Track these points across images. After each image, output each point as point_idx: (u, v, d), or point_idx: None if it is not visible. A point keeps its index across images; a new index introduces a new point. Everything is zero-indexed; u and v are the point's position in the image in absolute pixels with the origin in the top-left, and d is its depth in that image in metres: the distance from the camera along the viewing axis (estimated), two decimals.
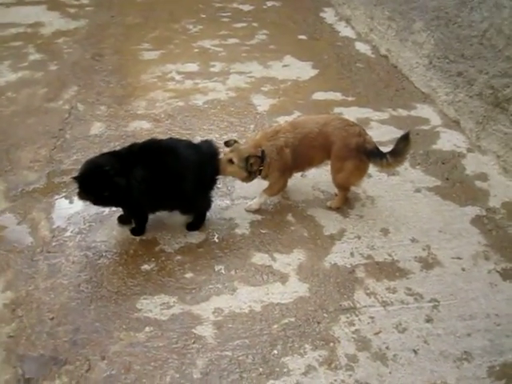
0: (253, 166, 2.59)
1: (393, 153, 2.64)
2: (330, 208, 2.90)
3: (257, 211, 2.85)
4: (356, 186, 2.89)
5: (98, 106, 3.74)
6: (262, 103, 3.83)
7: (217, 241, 2.68)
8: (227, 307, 2.34)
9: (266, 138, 2.67)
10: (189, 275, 2.48)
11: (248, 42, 4.74)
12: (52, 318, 2.29)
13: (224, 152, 2.68)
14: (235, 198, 2.95)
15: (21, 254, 2.58)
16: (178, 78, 4.13)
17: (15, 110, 3.72)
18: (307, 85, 4.10)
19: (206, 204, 2.70)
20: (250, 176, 2.66)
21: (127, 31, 4.92)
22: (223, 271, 2.51)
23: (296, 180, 3.07)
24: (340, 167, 2.72)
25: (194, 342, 2.19)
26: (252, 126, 3.51)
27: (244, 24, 5.12)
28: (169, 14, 5.28)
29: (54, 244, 2.65)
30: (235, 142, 2.68)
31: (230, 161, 2.60)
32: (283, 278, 2.48)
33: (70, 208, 2.85)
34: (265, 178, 2.74)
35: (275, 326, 2.26)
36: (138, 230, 2.69)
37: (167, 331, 2.23)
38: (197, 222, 2.73)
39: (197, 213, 2.72)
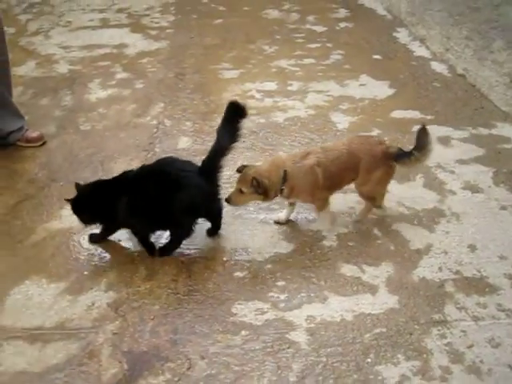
0: (262, 186, 2.63)
1: (418, 147, 2.72)
2: (357, 221, 2.94)
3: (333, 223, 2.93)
4: (383, 193, 2.90)
5: (184, 122, 3.93)
6: (342, 121, 3.91)
7: (306, 251, 2.76)
8: (319, 315, 2.41)
9: (293, 159, 2.74)
10: (280, 283, 2.57)
11: (323, 62, 4.86)
12: (153, 318, 2.42)
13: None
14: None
15: (123, 257, 2.75)
16: (257, 96, 4.28)
17: (106, 125, 3.96)
18: (385, 103, 4.16)
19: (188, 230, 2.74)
20: (267, 196, 2.70)
21: (206, 51, 5.13)
22: (313, 281, 2.58)
23: None
24: (368, 179, 2.78)
25: (288, 347, 2.27)
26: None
27: (318, 45, 5.24)
28: (245, 36, 5.48)
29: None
30: (244, 167, 2.74)
31: (240, 191, 2.67)
32: (373, 290, 2.53)
33: None
34: (288, 197, 2.78)
35: (367, 336, 2.31)
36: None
37: (262, 335, 2.32)
38: (170, 247, 2.78)
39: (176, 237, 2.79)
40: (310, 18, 5.92)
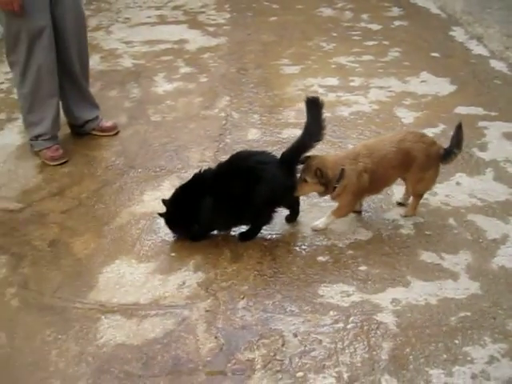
0: (325, 177, 2.66)
1: (456, 145, 2.79)
2: (406, 217, 2.98)
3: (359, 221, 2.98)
4: (431, 189, 3.00)
5: (251, 115, 4.04)
6: (406, 116, 3.97)
7: (384, 239, 2.84)
8: (404, 298, 2.49)
9: (349, 159, 2.74)
10: (363, 268, 2.66)
11: (382, 59, 4.92)
12: (243, 298, 2.53)
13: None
14: (393, 201, 3.10)
15: (207, 241, 2.87)
16: (320, 90, 4.37)
17: (176, 116, 4.10)
18: (448, 100, 4.21)
19: (268, 218, 2.84)
20: (327, 188, 2.72)
21: (265, 48, 5.24)
22: (395, 266, 2.66)
23: (452, 187, 3.20)
24: (422, 177, 2.82)
25: (377, 328, 2.35)
26: None
27: (375, 42, 5.31)
28: (301, 33, 5.57)
29: (232, 233, 2.92)
30: (308, 158, 2.76)
31: (305, 180, 2.73)
32: (454, 276, 2.60)
33: None
34: (335, 198, 2.80)
35: (453, 319, 2.38)
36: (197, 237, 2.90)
37: (350, 316, 2.41)
38: (251, 233, 2.88)
39: (256, 225, 2.88)
40: (364, 16, 5.99)
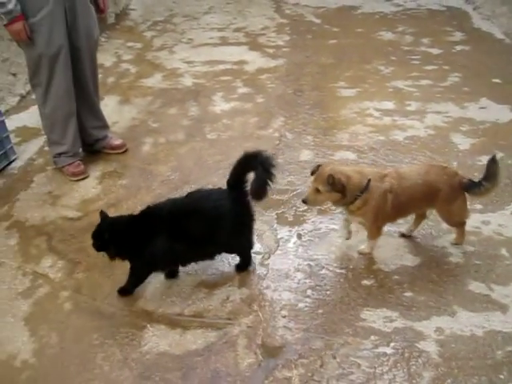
0: (338, 183, 2.59)
1: (487, 178, 2.71)
2: (455, 245, 2.92)
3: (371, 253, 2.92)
4: (468, 218, 2.91)
5: (305, 136, 4.08)
6: (462, 142, 3.91)
7: (432, 266, 2.80)
8: (448, 328, 2.44)
9: (376, 176, 2.71)
10: (408, 294, 2.63)
11: (441, 84, 4.86)
12: (284, 316, 2.56)
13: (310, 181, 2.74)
14: (444, 228, 3.04)
15: (254, 255, 2.91)
16: (376, 114, 4.37)
17: (231, 135, 4.20)
18: (507, 127, 4.11)
19: (247, 245, 2.80)
20: (343, 197, 2.64)
21: (323, 70, 5.29)
22: (441, 294, 2.61)
23: (505, 217, 3.11)
24: (450, 209, 2.79)
25: (419, 356, 2.32)
26: (455, 164, 3.60)
27: (435, 67, 5.25)
28: (360, 56, 5.59)
29: (279, 252, 2.96)
30: (319, 166, 2.72)
31: (317, 190, 2.65)
32: (503, 308, 2.53)
33: (290, 223, 3.15)
34: (354, 211, 2.74)
35: (499, 352, 2.31)
36: (128, 290, 2.73)
37: (392, 342, 2.39)
38: (243, 264, 2.85)
39: (239, 253, 2.84)
40: (425, 40, 5.94)
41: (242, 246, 2.80)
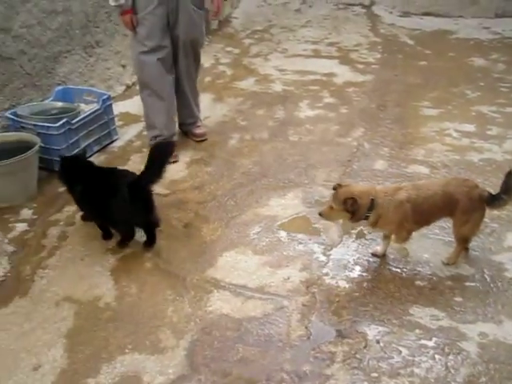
0: (352, 206, 2.78)
1: (506, 191, 2.80)
2: (447, 265, 2.99)
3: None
4: (476, 235, 3.02)
5: (382, 147, 4.28)
6: None
7: (486, 278, 2.92)
8: (492, 334, 2.57)
9: (385, 191, 2.87)
10: (458, 299, 2.78)
11: None
12: (338, 301, 2.79)
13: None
14: (505, 246, 3.15)
15: (318, 245, 3.17)
16: (455, 135, 4.48)
17: (312, 139, 4.47)
18: None
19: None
20: (354, 216, 2.84)
21: (408, 89, 5.45)
22: (491, 304, 2.74)
23: None
24: (466, 220, 2.87)
25: (459, 353, 2.47)
26: None
27: None
28: (447, 79, 5.68)
29: (340, 246, 3.19)
30: (339, 185, 2.92)
31: (331, 207, 2.86)
32: None
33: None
34: (373, 226, 2.91)
35: None
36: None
37: (435, 337, 2.56)
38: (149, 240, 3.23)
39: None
40: None
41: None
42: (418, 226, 3.01)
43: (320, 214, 2.95)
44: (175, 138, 4.29)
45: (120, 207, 3.01)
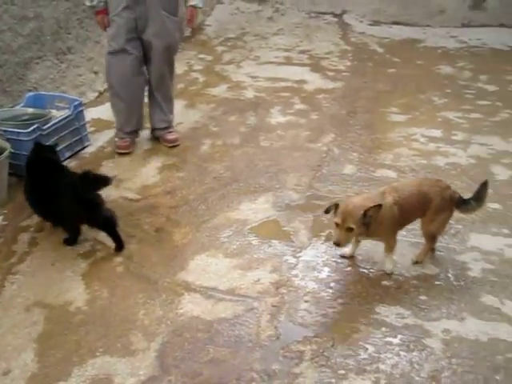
0: (371, 217, 2.73)
1: (475, 198, 2.98)
2: (415, 263, 3.09)
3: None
4: (442, 234, 3.15)
5: (351, 152, 4.37)
6: (501, 173, 4.08)
7: (450, 277, 3.01)
8: (455, 330, 2.66)
9: (373, 200, 2.83)
10: (423, 297, 2.86)
11: (491, 119, 5.03)
12: (306, 301, 2.85)
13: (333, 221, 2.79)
14: (468, 246, 3.25)
15: (287, 248, 3.23)
16: (421, 140, 4.60)
17: (283, 145, 4.54)
18: None
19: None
20: (369, 228, 2.79)
21: (377, 95, 5.57)
22: (454, 302, 2.83)
23: None
24: (434, 219, 2.98)
25: (423, 349, 2.55)
26: (491, 191, 3.76)
27: (488, 102, 5.41)
28: (415, 86, 5.82)
29: (309, 248, 3.25)
30: (337, 205, 2.79)
31: (349, 229, 2.73)
32: (511, 321, 2.71)
33: (325, 225, 3.43)
34: (369, 235, 2.88)
35: (499, 357, 2.51)
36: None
37: (400, 334, 2.63)
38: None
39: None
40: (483, 77, 6.10)
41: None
42: (400, 229, 3.06)
43: (337, 244, 2.77)
44: (139, 134, 4.51)
45: (65, 205, 3.08)
